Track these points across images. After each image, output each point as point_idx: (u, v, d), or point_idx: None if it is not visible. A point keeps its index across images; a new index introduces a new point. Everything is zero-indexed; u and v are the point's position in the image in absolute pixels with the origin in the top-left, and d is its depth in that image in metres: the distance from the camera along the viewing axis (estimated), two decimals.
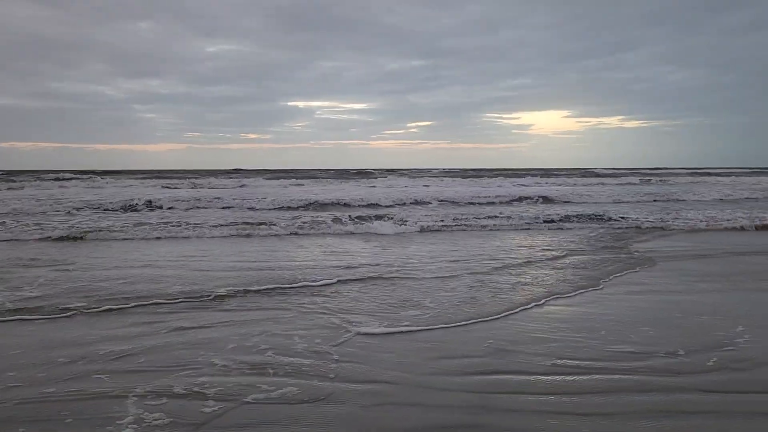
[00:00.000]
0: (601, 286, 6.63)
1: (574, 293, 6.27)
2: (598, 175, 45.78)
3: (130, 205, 16.49)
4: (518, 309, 5.55)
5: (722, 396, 3.52)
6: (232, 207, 16.78)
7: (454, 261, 8.24)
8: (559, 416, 3.26)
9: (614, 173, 48.86)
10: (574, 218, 13.86)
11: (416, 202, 18.70)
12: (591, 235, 11.39)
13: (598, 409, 3.35)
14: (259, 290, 6.29)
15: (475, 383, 3.74)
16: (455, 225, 12.74)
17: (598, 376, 3.83)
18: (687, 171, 54.42)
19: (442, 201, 19.03)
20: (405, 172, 50.31)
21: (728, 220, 13.26)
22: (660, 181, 36.11)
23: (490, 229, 12.38)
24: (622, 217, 13.98)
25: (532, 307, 5.64)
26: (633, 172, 52.16)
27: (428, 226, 12.45)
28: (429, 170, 56.48)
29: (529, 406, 3.40)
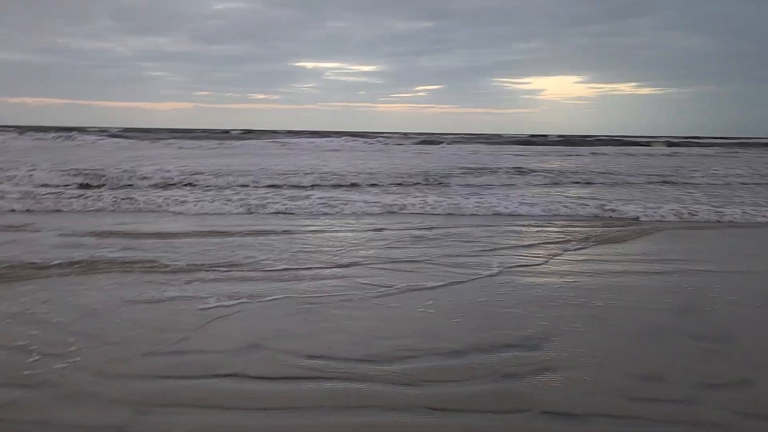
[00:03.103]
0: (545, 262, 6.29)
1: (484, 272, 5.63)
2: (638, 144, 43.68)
3: None
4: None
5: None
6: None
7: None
8: None
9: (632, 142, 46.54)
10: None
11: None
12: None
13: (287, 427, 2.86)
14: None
15: (150, 391, 3.17)
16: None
17: (329, 384, 3.30)
18: (713, 141, 51.42)
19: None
20: (414, 136, 49.26)
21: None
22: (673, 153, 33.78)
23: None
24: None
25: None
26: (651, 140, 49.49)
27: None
28: (439, 135, 54.99)
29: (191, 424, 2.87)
